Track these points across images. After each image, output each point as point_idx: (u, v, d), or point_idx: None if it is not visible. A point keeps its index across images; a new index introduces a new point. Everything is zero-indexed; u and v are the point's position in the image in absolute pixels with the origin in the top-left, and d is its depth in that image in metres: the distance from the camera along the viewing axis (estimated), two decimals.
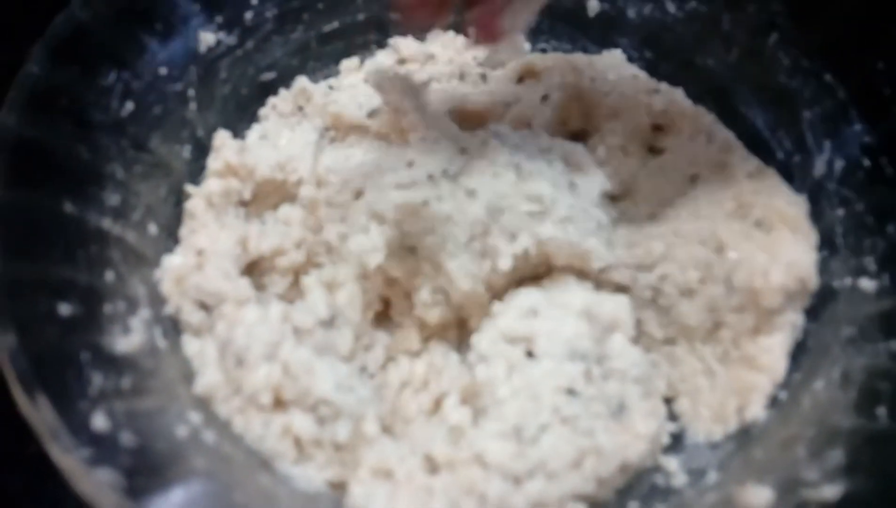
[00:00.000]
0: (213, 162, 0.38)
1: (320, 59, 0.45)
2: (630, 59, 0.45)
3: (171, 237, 0.35)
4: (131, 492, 0.22)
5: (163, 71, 0.37)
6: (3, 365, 0.23)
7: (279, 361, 0.29)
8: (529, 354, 0.31)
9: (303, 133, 0.42)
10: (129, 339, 0.28)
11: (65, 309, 0.26)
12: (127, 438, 0.23)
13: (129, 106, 0.35)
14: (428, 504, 0.27)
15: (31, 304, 0.25)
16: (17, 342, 0.23)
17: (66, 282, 0.27)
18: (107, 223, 0.31)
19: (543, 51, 0.46)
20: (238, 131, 0.41)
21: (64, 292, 0.27)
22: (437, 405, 0.33)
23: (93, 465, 0.22)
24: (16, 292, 0.25)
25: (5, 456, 0.36)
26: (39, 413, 0.22)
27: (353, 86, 0.45)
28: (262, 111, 0.43)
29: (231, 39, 0.41)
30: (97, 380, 0.25)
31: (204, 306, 0.32)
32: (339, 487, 0.29)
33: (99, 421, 0.23)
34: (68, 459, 0.21)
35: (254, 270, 0.36)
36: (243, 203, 0.39)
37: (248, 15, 0.41)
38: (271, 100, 0.43)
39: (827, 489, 0.25)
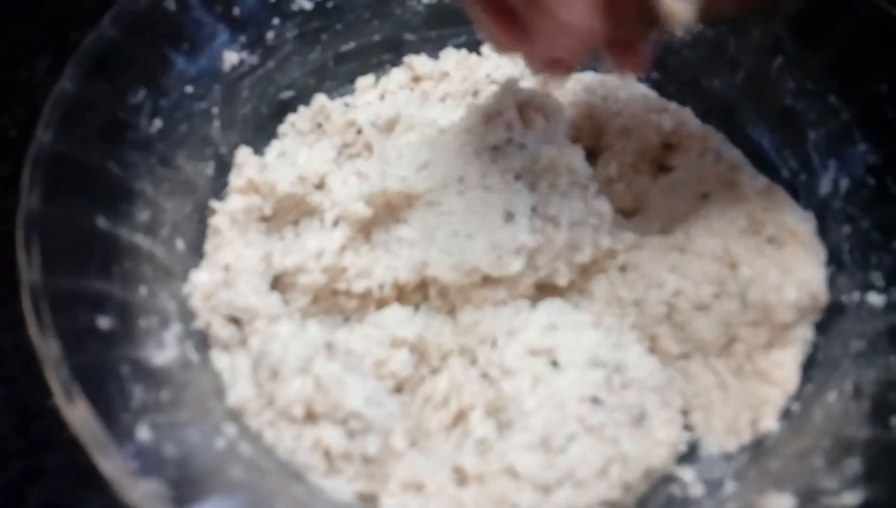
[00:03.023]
0: (236, 179, 0.39)
1: (336, 77, 0.46)
2: (638, 80, 0.46)
3: (196, 253, 0.36)
4: (177, 502, 0.22)
5: (189, 89, 0.38)
6: (49, 377, 0.24)
7: (312, 375, 0.30)
8: (554, 363, 0.31)
9: (322, 150, 0.42)
10: (164, 353, 0.28)
11: (104, 323, 0.27)
12: (170, 449, 0.24)
13: (158, 124, 0.36)
14: None
15: (72, 317, 0.26)
16: (61, 353, 0.24)
17: (104, 296, 0.28)
18: (138, 239, 0.32)
19: None
20: (257, 149, 0.42)
21: (102, 306, 0.27)
22: (457, 419, 0.33)
23: (140, 476, 0.22)
24: (57, 305, 0.26)
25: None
26: (86, 426, 0.22)
27: (368, 103, 0.46)
28: (281, 129, 0.44)
29: (253, 59, 0.41)
30: (138, 393, 0.25)
31: (234, 321, 0.32)
32: (368, 500, 0.29)
33: (143, 433, 0.24)
34: (116, 470, 0.22)
35: (276, 285, 0.36)
36: (264, 219, 0.40)
37: (270, 35, 0.42)
38: (290, 117, 0.44)
39: (847, 496, 0.26)
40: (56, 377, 0.23)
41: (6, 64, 0.58)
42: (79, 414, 0.23)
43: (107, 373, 0.25)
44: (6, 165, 0.52)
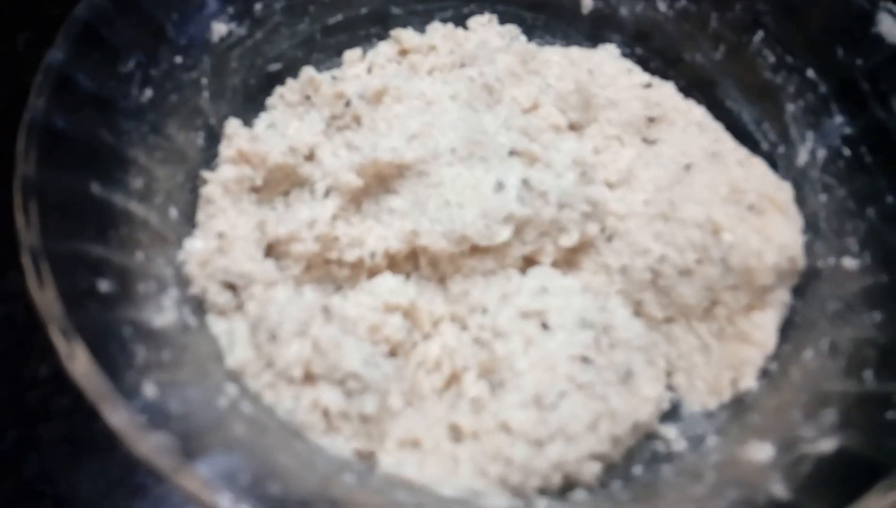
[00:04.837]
0: (226, 149, 0.39)
1: (324, 50, 0.46)
2: (622, 55, 0.47)
3: (188, 222, 0.36)
4: (185, 454, 0.23)
5: (178, 60, 0.38)
6: (55, 338, 0.24)
7: (310, 337, 0.30)
8: (544, 326, 0.32)
9: (311, 122, 0.43)
10: (163, 316, 0.29)
11: (104, 285, 0.27)
12: (175, 406, 0.24)
13: (149, 93, 0.36)
14: (456, 470, 0.29)
15: (72, 279, 0.26)
16: (64, 314, 0.24)
17: (102, 260, 0.28)
18: (133, 205, 0.32)
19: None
20: (246, 120, 0.42)
21: (101, 270, 0.28)
22: (449, 382, 0.34)
23: (148, 430, 0.23)
24: (57, 267, 0.26)
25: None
26: (94, 383, 0.23)
27: (356, 76, 0.46)
28: (270, 101, 0.44)
29: (241, 30, 0.41)
30: (141, 353, 0.26)
31: (231, 287, 0.33)
32: (366, 457, 0.30)
33: (149, 390, 0.24)
34: (126, 424, 0.22)
35: (270, 253, 0.37)
36: (255, 189, 0.40)
37: (258, 6, 0.42)
38: (279, 89, 0.44)
39: (823, 443, 0.27)
40: (62, 336, 0.24)
41: None
42: (85, 371, 0.23)
43: (109, 333, 0.25)
44: None
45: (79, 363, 0.23)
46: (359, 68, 0.47)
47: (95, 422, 0.40)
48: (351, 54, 0.47)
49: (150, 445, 0.22)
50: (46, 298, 0.25)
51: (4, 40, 0.57)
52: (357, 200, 0.39)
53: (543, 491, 0.30)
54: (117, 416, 0.22)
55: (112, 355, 0.24)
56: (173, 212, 0.35)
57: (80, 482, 0.38)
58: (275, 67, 0.44)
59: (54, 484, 0.38)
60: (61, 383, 0.40)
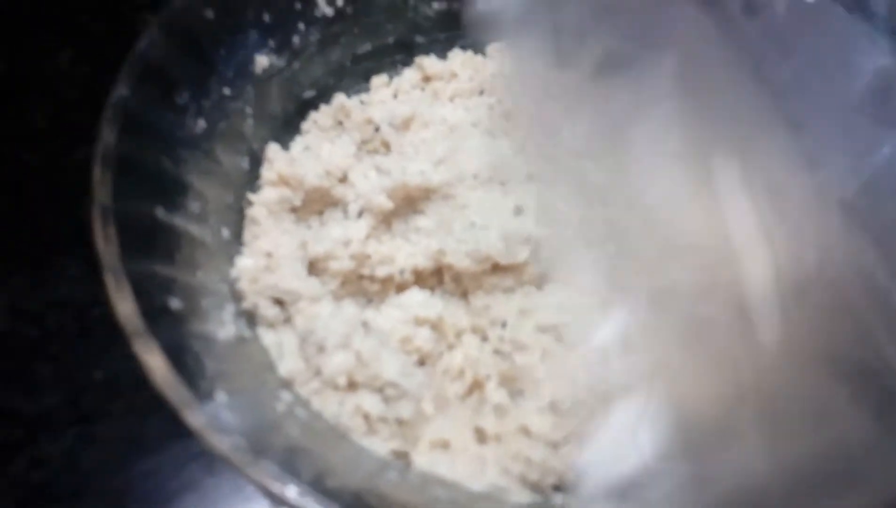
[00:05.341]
0: (268, 172, 0.43)
1: (354, 76, 0.50)
2: None
3: (237, 240, 0.40)
4: (252, 450, 0.26)
5: (226, 91, 0.41)
6: (138, 350, 0.27)
7: (352, 349, 0.34)
8: (560, 339, 0.36)
9: (343, 145, 0.46)
10: (225, 329, 0.32)
11: (174, 303, 0.31)
12: (242, 409, 0.28)
13: (202, 123, 0.39)
14: (483, 469, 0.32)
15: (149, 298, 0.30)
16: (147, 331, 0.28)
17: (171, 279, 0.32)
18: (192, 227, 0.35)
19: None
20: (283, 144, 0.46)
21: (171, 288, 0.31)
22: (471, 389, 0.38)
23: (224, 431, 0.26)
24: (137, 289, 0.29)
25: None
26: (176, 391, 0.26)
27: (382, 101, 0.49)
28: (304, 125, 0.47)
29: (281, 62, 0.45)
30: (210, 363, 0.29)
31: (279, 302, 0.36)
32: (401, 456, 0.34)
33: (220, 397, 0.28)
34: (205, 426, 0.26)
35: (311, 270, 0.40)
36: (293, 209, 0.43)
37: (296, 39, 0.46)
38: (312, 115, 0.48)
39: None
40: (143, 348, 0.27)
41: (31, 58, 0.60)
42: (167, 380, 0.26)
43: (184, 346, 0.29)
44: (37, 153, 0.55)
45: (160, 372, 0.27)
46: (385, 93, 0.50)
47: (147, 423, 0.44)
48: (378, 80, 0.50)
49: (225, 444, 0.26)
50: (128, 313, 0.28)
51: (48, 57, 0.61)
52: (388, 220, 0.43)
53: (558, 488, 0.34)
54: (197, 419, 0.26)
55: (189, 365, 0.28)
56: (225, 232, 0.39)
57: (133, 477, 0.41)
58: (309, 93, 0.48)
59: (110, 479, 0.42)
60: (115, 387, 0.44)
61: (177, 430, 0.27)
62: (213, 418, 0.26)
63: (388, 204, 0.42)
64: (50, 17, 0.62)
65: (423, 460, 0.33)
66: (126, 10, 0.61)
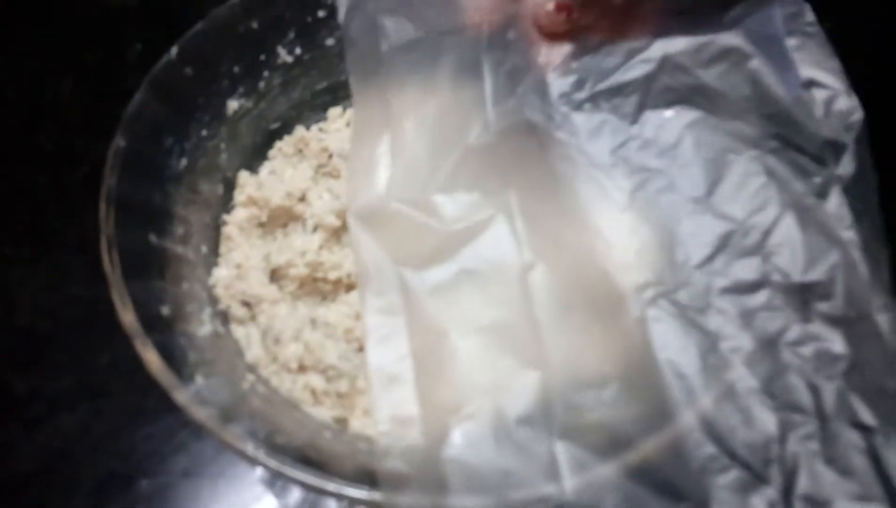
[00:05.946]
0: (239, 196, 0.53)
1: (313, 109, 0.59)
2: None
3: (214, 254, 0.50)
4: (224, 419, 0.37)
5: (204, 133, 0.51)
6: (138, 348, 0.38)
7: (302, 341, 0.44)
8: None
9: (302, 170, 0.56)
10: (204, 328, 0.43)
11: (165, 310, 0.41)
12: (215, 388, 0.38)
13: (184, 161, 0.48)
14: None
15: (146, 308, 0.40)
16: (144, 333, 0.38)
17: (162, 291, 0.42)
18: (179, 249, 0.45)
19: None
20: (252, 169, 0.55)
21: (163, 300, 0.41)
22: None
23: (201, 405, 0.37)
24: (136, 301, 0.39)
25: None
26: (166, 376, 0.37)
27: (338, 130, 0.59)
28: (271, 153, 0.57)
29: (249, 103, 0.54)
30: (192, 356, 0.39)
31: (246, 304, 0.46)
32: (341, 422, 0.44)
33: (199, 380, 0.38)
34: (188, 401, 0.36)
35: (273, 276, 0.50)
36: (261, 225, 0.53)
37: (262, 84, 0.55)
38: (277, 144, 0.57)
39: None
40: (141, 346, 0.37)
41: (36, 86, 0.70)
42: (159, 369, 0.37)
43: (172, 343, 0.39)
44: (46, 174, 0.65)
45: (154, 364, 0.37)
46: (340, 123, 0.60)
47: (145, 399, 0.54)
48: (334, 112, 0.60)
49: (203, 414, 0.36)
50: (130, 321, 0.38)
51: (51, 86, 0.70)
52: (337, 234, 0.53)
53: None
54: (181, 396, 0.36)
55: (176, 356, 0.38)
56: (203, 248, 0.48)
57: (136, 441, 0.52)
58: (274, 125, 0.57)
59: (116, 443, 0.52)
60: (118, 370, 0.54)
61: (169, 405, 0.37)
62: (195, 395, 0.37)
63: (336, 222, 0.52)
64: (52, 49, 0.71)
65: (358, 423, 0.44)
66: (120, 42, 0.70)
